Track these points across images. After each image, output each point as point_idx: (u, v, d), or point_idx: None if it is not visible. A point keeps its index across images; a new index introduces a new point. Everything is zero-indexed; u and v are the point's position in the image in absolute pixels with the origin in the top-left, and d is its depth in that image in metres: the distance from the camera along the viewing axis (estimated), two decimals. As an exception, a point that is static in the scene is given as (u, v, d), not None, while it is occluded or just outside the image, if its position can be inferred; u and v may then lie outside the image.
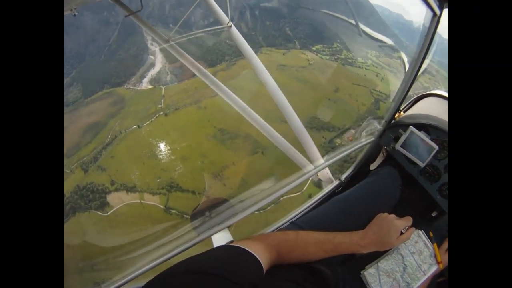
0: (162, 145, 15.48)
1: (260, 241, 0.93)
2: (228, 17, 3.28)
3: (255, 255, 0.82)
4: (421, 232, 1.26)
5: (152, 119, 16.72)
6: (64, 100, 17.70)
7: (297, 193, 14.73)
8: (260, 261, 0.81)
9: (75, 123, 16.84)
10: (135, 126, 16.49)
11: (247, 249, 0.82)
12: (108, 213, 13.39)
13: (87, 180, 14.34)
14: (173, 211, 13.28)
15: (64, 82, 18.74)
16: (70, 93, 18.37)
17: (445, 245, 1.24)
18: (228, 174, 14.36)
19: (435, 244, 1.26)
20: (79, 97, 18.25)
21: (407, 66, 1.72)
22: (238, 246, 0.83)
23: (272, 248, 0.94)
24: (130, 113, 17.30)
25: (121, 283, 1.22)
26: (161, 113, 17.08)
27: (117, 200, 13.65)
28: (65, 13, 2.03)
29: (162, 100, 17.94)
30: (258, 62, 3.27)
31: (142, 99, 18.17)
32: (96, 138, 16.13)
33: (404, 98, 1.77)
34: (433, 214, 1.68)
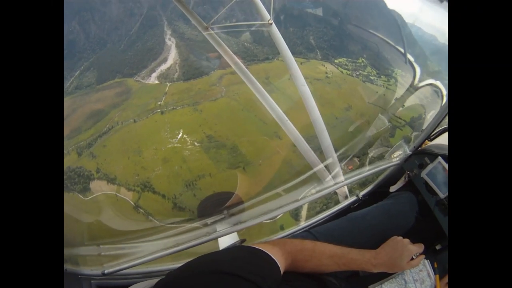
0: (149, 143, 16.17)
1: (280, 247, 1.00)
2: (270, 15, 3.27)
3: (276, 260, 0.88)
4: (426, 262, 1.33)
5: (149, 116, 17.47)
6: (79, 84, 19.22)
7: (269, 220, 14.58)
8: (280, 267, 0.87)
9: (82, 107, 18.19)
10: (131, 120, 17.35)
11: (269, 253, 0.88)
12: (88, 198, 14.53)
13: (78, 164, 15.56)
14: (141, 210, 13.97)
15: (83, 66, 20.15)
16: (86, 78, 19.73)
17: (446, 278, 1.29)
18: (201, 185, 14.61)
19: (437, 276, 1.32)
20: (93, 82, 19.56)
21: (444, 99, 1.85)
22: (262, 250, 0.89)
23: (289, 255, 1.00)
24: (131, 105, 18.18)
25: (123, 266, 1.32)
26: (158, 110, 17.74)
27: (98, 188, 14.69)
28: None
29: (164, 98, 18.56)
30: (294, 64, 3.27)
31: (146, 93, 18.94)
32: (96, 125, 17.27)
33: (436, 127, 1.86)
34: (437, 247, 1.69)
